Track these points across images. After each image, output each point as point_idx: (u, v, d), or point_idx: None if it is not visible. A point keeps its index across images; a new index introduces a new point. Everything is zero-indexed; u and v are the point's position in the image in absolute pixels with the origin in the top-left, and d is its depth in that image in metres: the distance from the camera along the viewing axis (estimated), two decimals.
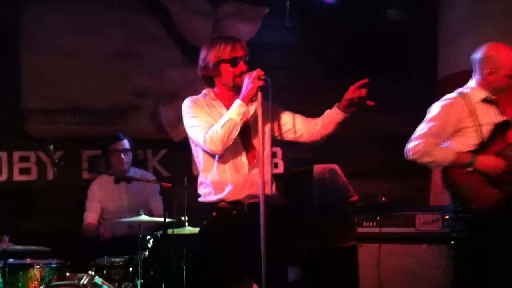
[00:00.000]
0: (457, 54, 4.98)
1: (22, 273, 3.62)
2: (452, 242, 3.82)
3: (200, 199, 3.09)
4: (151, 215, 4.42)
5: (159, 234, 4.02)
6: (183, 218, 4.10)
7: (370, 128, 5.39)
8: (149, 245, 3.97)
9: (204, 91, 3.14)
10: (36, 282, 3.62)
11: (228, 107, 2.97)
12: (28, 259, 3.70)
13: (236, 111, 2.88)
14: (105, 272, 3.87)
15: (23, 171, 4.93)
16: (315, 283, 4.54)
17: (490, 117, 3.37)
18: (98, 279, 3.64)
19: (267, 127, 3.03)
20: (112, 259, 3.96)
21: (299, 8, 5.21)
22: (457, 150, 3.35)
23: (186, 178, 4.14)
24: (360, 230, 4.16)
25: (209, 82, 3.13)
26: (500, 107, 3.41)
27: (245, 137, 3.02)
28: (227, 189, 2.99)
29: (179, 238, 3.98)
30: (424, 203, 5.14)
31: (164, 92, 5.27)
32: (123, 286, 3.88)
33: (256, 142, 2.99)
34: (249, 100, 2.92)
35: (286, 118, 3.14)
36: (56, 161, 3.96)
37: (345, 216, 4.30)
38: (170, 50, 5.34)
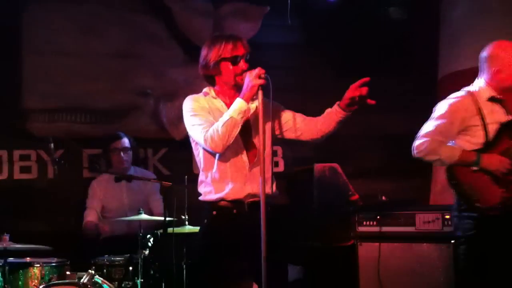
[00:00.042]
0: (459, 53, 4.99)
1: (22, 272, 3.61)
2: (452, 241, 3.84)
3: (200, 198, 3.09)
4: (151, 214, 4.42)
5: (159, 233, 4.02)
6: (183, 217, 4.10)
7: (371, 127, 5.40)
8: (149, 244, 3.97)
9: (205, 90, 3.14)
10: (36, 281, 3.61)
11: (229, 105, 2.97)
12: (28, 258, 3.69)
13: (237, 109, 2.88)
14: (105, 271, 3.87)
15: (23, 170, 4.94)
16: (315, 282, 4.54)
17: (496, 116, 3.37)
18: (98, 278, 3.65)
19: (268, 126, 3.02)
20: (112, 258, 3.96)
21: (299, 8, 5.21)
22: (463, 149, 3.36)
23: (186, 176, 4.14)
24: (360, 229, 4.16)
25: (210, 80, 3.13)
26: (507, 106, 3.40)
27: (245, 135, 3.02)
28: (228, 188, 2.98)
29: (179, 237, 3.98)
30: (424, 202, 5.14)
31: (165, 91, 5.28)
32: (123, 285, 3.88)
33: (257, 140, 2.99)
34: (250, 99, 2.91)
35: (287, 116, 3.14)
36: (57, 159, 3.96)
37: (345, 215, 4.30)
38: (172, 49, 5.35)
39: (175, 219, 3.85)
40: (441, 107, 3.47)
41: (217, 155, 2.99)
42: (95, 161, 4.90)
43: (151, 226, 4.26)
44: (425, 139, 3.40)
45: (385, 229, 4.09)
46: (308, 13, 5.40)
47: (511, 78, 3.38)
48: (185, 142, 3.27)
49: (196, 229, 3.68)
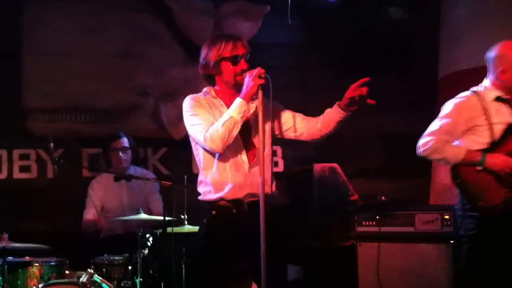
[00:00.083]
0: (459, 53, 4.99)
1: (21, 271, 3.60)
2: (451, 241, 3.84)
3: (200, 198, 3.09)
4: (150, 213, 4.42)
5: (158, 233, 4.01)
6: (182, 216, 4.10)
7: (371, 127, 5.40)
8: (149, 244, 3.97)
9: (205, 89, 3.14)
10: (35, 280, 3.60)
11: (228, 105, 2.97)
12: (27, 257, 3.68)
13: (237, 109, 2.88)
14: (104, 270, 3.86)
15: (23, 169, 4.93)
16: (315, 282, 4.54)
17: (503, 116, 3.37)
18: (97, 277, 3.64)
19: (268, 126, 3.02)
20: (112, 257, 3.95)
21: (299, 8, 5.20)
22: (468, 148, 3.37)
23: (186, 176, 4.14)
24: (360, 229, 4.16)
25: (210, 80, 3.13)
26: None
27: (245, 135, 3.02)
28: (227, 187, 2.98)
29: (179, 237, 3.98)
30: (424, 202, 5.14)
31: (165, 91, 5.28)
32: (122, 284, 3.87)
33: (257, 140, 2.99)
34: (250, 99, 2.91)
35: (287, 116, 3.14)
36: (56, 159, 3.96)
37: (345, 215, 4.29)
38: (172, 49, 5.35)
39: (174, 218, 3.84)
40: (447, 107, 3.48)
41: (216, 155, 2.99)
42: (95, 160, 4.90)
43: (150, 226, 4.26)
44: (430, 137, 3.41)
45: (384, 229, 4.09)
46: (308, 13, 5.39)
47: None
48: (185, 142, 3.27)
49: (196, 228, 3.68)
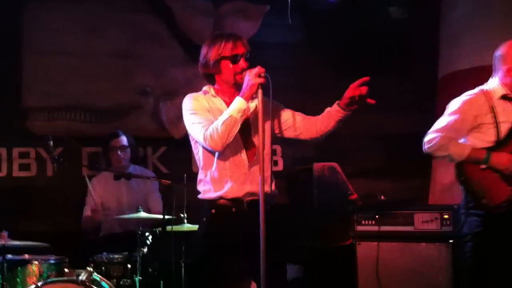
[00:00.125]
0: (459, 53, 4.99)
1: (20, 269, 3.59)
2: (450, 241, 3.84)
3: (199, 196, 3.09)
4: (149, 212, 4.42)
5: (158, 231, 4.01)
6: (182, 215, 4.10)
7: (371, 127, 5.40)
8: (148, 242, 3.97)
9: (204, 88, 3.14)
10: (34, 278, 3.59)
11: (228, 104, 2.97)
12: (26, 255, 3.68)
13: (237, 108, 2.88)
14: (103, 268, 3.86)
15: (22, 168, 4.94)
16: (314, 281, 4.54)
17: (509, 114, 3.38)
18: (96, 276, 3.64)
19: (267, 125, 3.02)
20: (111, 256, 3.96)
21: (299, 8, 5.20)
22: (473, 146, 3.38)
23: (185, 175, 4.14)
24: (359, 228, 4.16)
25: (210, 79, 3.13)
26: None
27: (245, 134, 3.02)
28: (227, 186, 2.98)
29: (178, 235, 3.98)
30: (424, 202, 5.14)
31: (165, 90, 5.28)
32: (121, 282, 3.87)
33: (256, 139, 2.99)
34: (250, 97, 2.91)
35: (286, 115, 3.14)
36: (56, 157, 3.96)
37: (344, 215, 4.30)
38: (172, 48, 5.35)
39: (174, 217, 3.85)
40: (454, 104, 3.49)
41: (216, 154, 2.99)
42: (94, 159, 4.90)
43: (150, 224, 4.26)
44: (436, 134, 3.42)
45: (383, 228, 4.09)
46: (309, 13, 5.39)
47: None
48: (185, 141, 3.27)
49: (195, 227, 3.68)
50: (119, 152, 4.67)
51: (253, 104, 3.00)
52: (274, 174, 3.11)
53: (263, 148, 2.84)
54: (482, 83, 3.57)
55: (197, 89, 3.17)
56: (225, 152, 2.96)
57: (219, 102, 3.07)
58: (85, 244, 4.45)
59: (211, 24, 5.36)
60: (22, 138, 4.92)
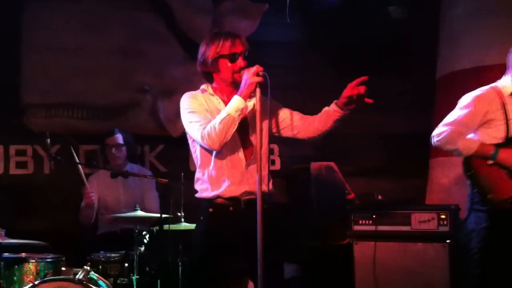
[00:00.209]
0: (458, 53, 4.98)
1: (17, 267, 3.58)
2: (447, 241, 3.84)
3: (197, 195, 3.09)
4: (145, 210, 4.41)
5: (155, 230, 4.01)
6: (179, 214, 4.09)
7: (370, 127, 5.41)
8: (145, 241, 3.96)
9: (202, 87, 3.13)
10: (31, 277, 3.58)
11: (226, 103, 2.97)
12: (23, 253, 3.66)
13: (235, 107, 2.87)
14: (100, 267, 3.85)
15: (19, 165, 4.93)
16: (311, 280, 4.54)
17: None
18: (93, 274, 3.62)
19: (265, 124, 3.02)
20: (108, 254, 3.95)
21: (299, 7, 5.20)
22: (481, 142, 3.39)
23: (183, 174, 4.13)
24: (356, 228, 4.15)
25: (208, 77, 3.12)
26: None
27: (242, 133, 3.01)
28: (224, 185, 2.98)
29: (175, 234, 3.97)
30: (424, 202, 5.13)
31: (164, 88, 5.27)
32: (118, 281, 3.86)
33: (254, 138, 2.99)
34: (248, 96, 2.91)
35: (284, 114, 3.13)
36: (53, 155, 3.95)
37: (341, 214, 4.29)
38: (172, 47, 5.35)
39: (171, 216, 3.84)
40: (465, 99, 3.50)
41: (214, 153, 2.98)
42: (92, 157, 4.90)
43: (147, 223, 4.25)
44: (445, 128, 3.44)
45: (380, 228, 4.08)
46: (308, 12, 5.40)
47: None
48: (182, 139, 3.27)
49: (192, 226, 3.68)
50: (113, 150, 4.66)
51: (251, 103, 2.99)
52: (272, 173, 3.11)
53: (261, 147, 2.83)
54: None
55: (196, 87, 3.16)
56: (223, 151, 2.96)
57: (217, 100, 3.06)
58: (83, 243, 4.44)
59: (210, 22, 5.35)
60: (19, 136, 4.91)
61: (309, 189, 4.69)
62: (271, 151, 5.26)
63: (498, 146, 3.36)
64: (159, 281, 3.95)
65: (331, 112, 3.01)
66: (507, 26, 4.63)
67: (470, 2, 4.99)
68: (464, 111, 3.44)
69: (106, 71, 5.15)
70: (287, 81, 4.98)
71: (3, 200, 4.62)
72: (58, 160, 3.97)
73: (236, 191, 2.97)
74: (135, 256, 3.84)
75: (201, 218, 3.05)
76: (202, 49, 3.07)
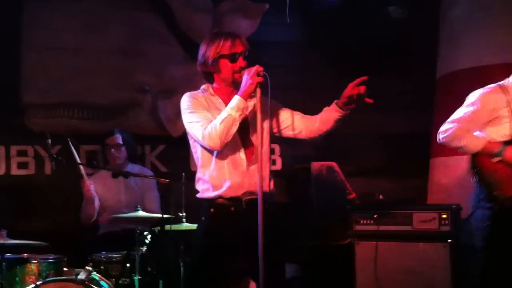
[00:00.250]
0: (458, 53, 4.98)
1: (19, 268, 3.58)
2: (448, 240, 3.84)
3: (198, 195, 3.09)
4: (146, 211, 4.41)
5: (156, 230, 4.01)
6: (180, 214, 4.09)
7: (371, 127, 5.40)
8: (147, 241, 3.96)
9: (203, 87, 3.14)
10: (33, 277, 3.57)
11: (227, 103, 2.97)
12: (25, 254, 3.66)
13: (235, 107, 2.87)
14: (102, 267, 3.85)
15: (21, 166, 4.92)
16: (312, 280, 4.54)
17: None
18: (95, 275, 3.63)
19: (266, 124, 3.03)
20: (110, 255, 3.94)
21: (299, 7, 5.20)
22: (487, 139, 3.40)
23: (184, 174, 4.13)
24: (357, 227, 4.16)
25: (208, 77, 3.13)
26: None
27: (243, 133, 3.02)
28: (225, 185, 2.98)
29: (177, 234, 3.97)
30: (424, 202, 5.14)
31: (164, 88, 5.28)
32: (120, 281, 3.86)
33: (255, 138, 2.99)
34: (248, 96, 2.91)
35: (285, 114, 3.14)
36: (54, 155, 3.95)
37: (342, 214, 4.29)
38: (172, 47, 5.34)
39: (172, 216, 3.84)
40: (472, 96, 3.51)
41: (215, 153, 2.99)
42: (92, 157, 4.90)
43: (148, 223, 4.25)
44: (452, 125, 3.45)
45: (382, 228, 4.09)
46: (308, 12, 5.39)
47: None
48: (183, 139, 3.27)
49: (194, 226, 3.68)
50: (112, 150, 4.66)
51: (251, 103, 2.99)
52: (273, 173, 3.11)
53: (262, 147, 2.84)
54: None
55: (196, 87, 3.17)
56: (224, 151, 2.96)
57: (217, 100, 3.06)
58: (83, 243, 4.44)
59: (210, 22, 5.36)
60: (20, 136, 4.90)
61: (310, 189, 4.69)
62: (272, 151, 5.26)
63: (505, 143, 3.37)
64: (161, 281, 3.95)
65: (331, 112, 3.02)
66: (507, 26, 4.64)
67: (470, 2, 4.99)
68: (471, 108, 3.45)
69: (106, 71, 5.15)
70: (287, 81, 4.98)
71: (5, 201, 4.62)
72: (59, 160, 3.97)
73: (237, 191, 2.98)
74: (137, 256, 3.83)
75: (202, 218, 3.06)
76: (202, 49, 3.07)
